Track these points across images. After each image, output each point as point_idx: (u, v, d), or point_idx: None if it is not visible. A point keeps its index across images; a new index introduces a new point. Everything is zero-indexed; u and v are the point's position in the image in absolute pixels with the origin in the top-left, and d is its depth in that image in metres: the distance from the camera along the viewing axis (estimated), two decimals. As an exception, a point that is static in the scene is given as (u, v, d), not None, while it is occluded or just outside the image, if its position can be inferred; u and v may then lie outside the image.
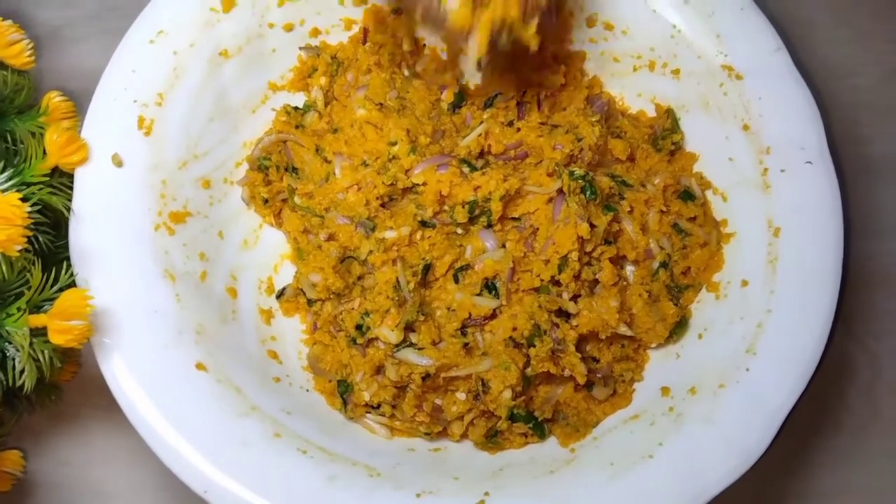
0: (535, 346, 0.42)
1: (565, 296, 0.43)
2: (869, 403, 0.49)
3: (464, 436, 0.43)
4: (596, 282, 0.44)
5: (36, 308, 0.39)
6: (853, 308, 0.50)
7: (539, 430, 0.43)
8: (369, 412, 0.43)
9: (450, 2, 0.40)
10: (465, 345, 0.42)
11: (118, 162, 0.43)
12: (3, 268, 0.37)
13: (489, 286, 0.43)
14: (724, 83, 0.46)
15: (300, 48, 0.49)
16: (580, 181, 0.43)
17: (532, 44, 0.41)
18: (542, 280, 0.43)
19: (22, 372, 0.38)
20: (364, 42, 0.49)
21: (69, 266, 0.40)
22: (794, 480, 0.47)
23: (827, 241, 0.43)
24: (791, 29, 0.53)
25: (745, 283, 0.44)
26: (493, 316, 0.43)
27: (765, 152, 0.45)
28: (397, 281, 0.42)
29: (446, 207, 0.43)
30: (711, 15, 0.47)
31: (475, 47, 0.41)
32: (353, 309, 0.43)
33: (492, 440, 0.43)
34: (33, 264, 0.39)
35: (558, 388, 0.44)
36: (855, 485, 0.47)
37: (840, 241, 0.43)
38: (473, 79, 0.43)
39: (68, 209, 0.41)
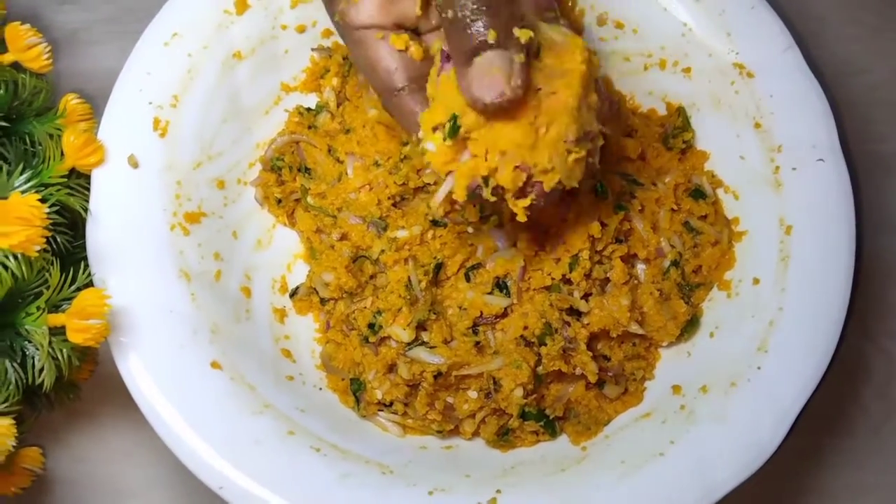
0: (546, 344, 0.42)
1: (576, 294, 0.43)
2: (883, 403, 0.48)
3: (475, 434, 0.43)
4: (607, 280, 0.44)
5: (54, 307, 0.39)
6: (867, 306, 0.50)
7: (550, 428, 0.43)
8: (382, 410, 0.44)
9: (428, 144, 0.35)
10: (477, 343, 0.42)
11: (134, 163, 0.43)
12: (23, 268, 0.38)
13: (500, 285, 0.43)
14: (736, 81, 0.46)
15: (312, 49, 0.49)
16: (591, 180, 0.43)
17: (520, 216, 0.36)
18: (553, 279, 0.43)
19: (41, 370, 0.38)
20: (376, 43, 0.49)
21: (87, 266, 0.41)
22: (807, 480, 0.47)
23: (839, 238, 0.42)
24: (802, 26, 0.53)
25: (756, 282, 0.44)
26: (505, 314, 0.43)
27: (776, 150, 0.45)
28: (409, 280, 0.43)
29: (457, 206, 0.44)
30: (722, 13, 0.47)
31: (445, 190, 0.36)
32: (365, 308, 0.43)
33: (503, 438, 0.43)
34: (52, 264, 0.39)
35: (570, 387, 0.44)
36: (869, 485, 0.47)
37: (852, 239, 0.42)
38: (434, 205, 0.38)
39: (85, 210, 0.42)
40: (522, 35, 0.34)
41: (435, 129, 0.35)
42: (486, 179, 0.35)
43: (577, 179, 0.36)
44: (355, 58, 0.40)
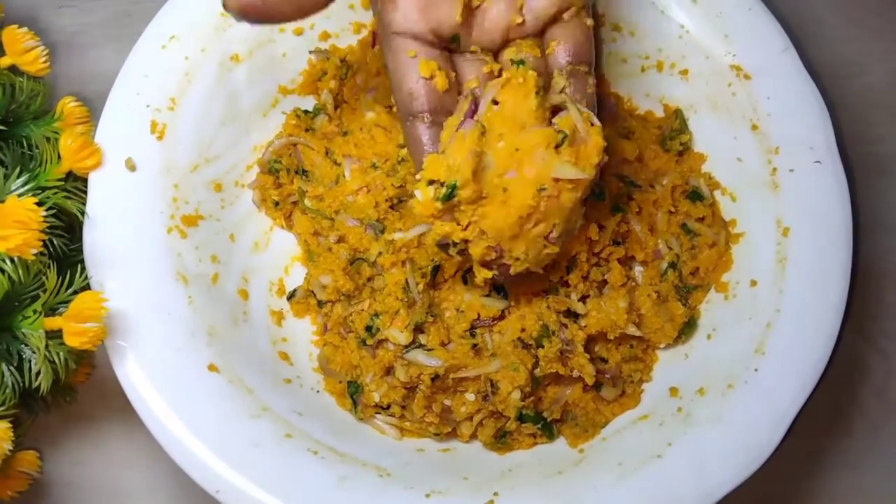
0: (543, 346, 0.42)
1: (574, 296, 0.43)
2: (881, 403, 0.48)
3: (473, 436, 0.43)
4: (604, 282, 0.44)
5: (51, 311, 0.39)
6: (864, 307, 0.50)
7: (548, 430, 0.43)
8: (379, 413, 0.43)
9: (417, 192, 0.35)
10: (474, 346, 0.42)
11: (131, 166, 0.43)
12: (20, 271, 0.38)
13: (498, 287, 0.43)
14: (733, 83, 0.46)
15: (310, 52, 0.49)
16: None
17: (478, 280, 0.38)
18: (550, 281, 0.43)
19: (38, 374, 0.38)
20: (373, 45, 0.49)
21: (83, 269, 0.41)
22: (806, 481, 0.47)
23: (836, 240, 0.43)
24: (799, 27, 0.53)
25: (753, 284, 0.44)
26: (502, 317, 0.43)
27: (773, 152, 0.45)
28: (406, 282, 0.43)
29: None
30: (719, 15, 0.47)
31: (417, 232, 0.38)
32: (362, 310, 0.43)
33: (501, 441, 0.43)
34: (49, 268, 0.39)
35: (567, 389, 0.44)
36: (867, 486, 0.47)
37: (849, 241, 0.43)
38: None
39: (82, 213, 0.42)
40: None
41: (431, 182, 0.35)
42: (455, 243, 0.36)
43: (541, 266, 0.38)
44: (387, 64, 0.39)
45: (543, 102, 0.36)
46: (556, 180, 0.35)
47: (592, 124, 0.36)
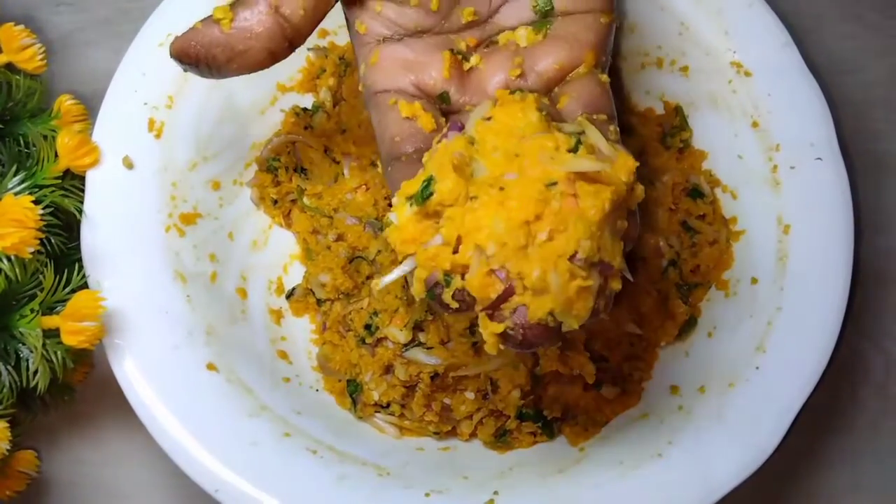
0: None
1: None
2: (882, 401, 0.48)
3: (473, 435, 0.43)
4: (605, 280, 0.44)
5: (49, 310, 0.39)
6: (865, 305, 0.50)
7: (548, 429, 0.43)
8: (378, 412, 0.43)
9: (392, 215, 0.28)
10: (474, 344, 0.42)
11: (129, 164, 0.43)
12: (17, 270, 0.38)
13: (498, 285, 0.43)
14: (733, 80, 0.46)
15: (308, 49, 0.49)
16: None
17: (489, 346, 0.28)
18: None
19: (35, 373, 0.38)
20: (372, 43, 0.49)
21: (81, 268, 0.41)
22: (806, 479, 0.47)
23: (837, 237, 0.42)
24: (800, 24, 0.53)
25: (754, 281, 0.43)
26: (502, 315, 0.43)
27: (774, 149, 0.45)
28: (406, 280, 0.43)
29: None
30: (720, 12, 0.47)
31: (396, 275, 0.29)
32: (361, 309, 0.43)
33: (501, 439, 0.43)
34: (46, 266, 0.39)
35: (567, 388, 0.44)
36: (867, 484, 0.47)
37: (850, 238, 0.42)
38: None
39: (80, 211, 0.42)
40: None
41: (410, 199, 0.28)
42: (448, 278, 0.27)
43: (578, 320, 0.27)
44: (373, 124, 0.35)
45: (548, 119, 0.29)
46: (572, 179, 0.26)
47: (617, 149, 0.29)
